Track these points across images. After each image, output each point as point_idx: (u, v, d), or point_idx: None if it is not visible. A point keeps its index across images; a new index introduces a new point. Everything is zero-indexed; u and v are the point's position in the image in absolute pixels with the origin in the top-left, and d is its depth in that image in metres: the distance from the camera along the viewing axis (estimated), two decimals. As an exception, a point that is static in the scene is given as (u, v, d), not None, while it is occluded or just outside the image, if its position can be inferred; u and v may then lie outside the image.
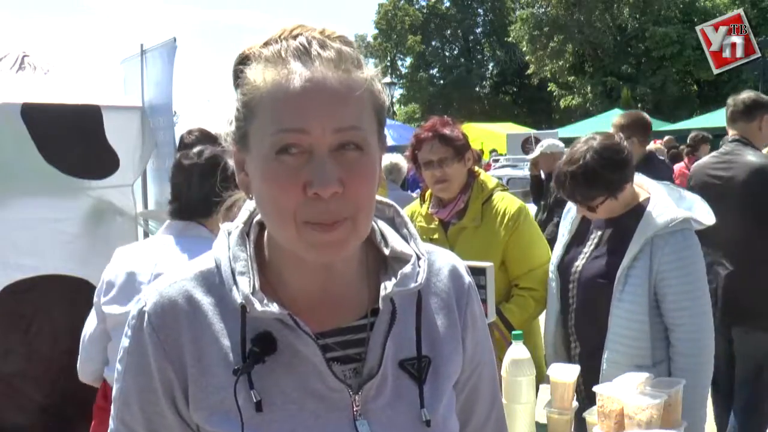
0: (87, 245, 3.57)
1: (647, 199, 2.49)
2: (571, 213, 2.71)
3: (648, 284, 2.37)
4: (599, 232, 2.56)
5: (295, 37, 0.99)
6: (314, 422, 0.99)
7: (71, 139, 3.52)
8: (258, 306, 0.97)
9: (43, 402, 3.44)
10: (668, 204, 2.44)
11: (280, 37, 1.00)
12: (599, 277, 2.47)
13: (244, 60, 1.01)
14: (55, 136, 3.46)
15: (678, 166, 8.66)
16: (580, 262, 2.56)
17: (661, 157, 5.18)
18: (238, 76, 1.01)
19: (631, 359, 2.39)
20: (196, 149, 2.58)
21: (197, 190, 2.45)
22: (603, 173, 2.39)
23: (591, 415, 2.16)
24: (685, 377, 2.28)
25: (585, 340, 2.55)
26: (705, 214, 2.46)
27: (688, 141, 8.73)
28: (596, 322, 2.46)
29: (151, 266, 2.42)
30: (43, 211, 3.48)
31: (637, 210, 2.47)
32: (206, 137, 3.53)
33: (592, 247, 2.56)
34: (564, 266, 2.62)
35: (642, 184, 2.58)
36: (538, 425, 2.26)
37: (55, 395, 3.41)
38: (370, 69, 1.01)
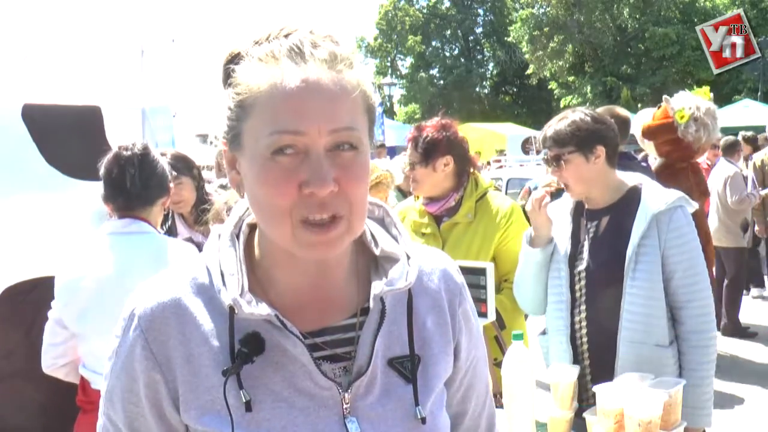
0: (88, 246, 3.58)
1: (639, 185, 2.53)
2: (562, 206, 2.66)
3: (659, 261, 2.39)
4: (595, 222, 2.55)
5: (286, 36, 0.99)
6: (304, 420, 1.01)
7: (72, 140, 3.52)
8: (245, 307, 0.98)
9: (43, 402, 3.43)
10: (661, 187, 2.53)
11: (269, 36, 1.00)
12: (609, 262, 2.45)
13: (234, 58, 1.01)
14: (56, 136, 3.46)
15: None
16: (585, 254, 2.53)
17: (639, 160, 4.92)
18: (229, 74, 1.01)
19: (648, 337, 2.39)
20: (129, 143, 2.61)
21: (139, 182, 2.53)
22: (576, 121, 2.51)
23: (591, 415, 2.17)
24: (695, 354, 2.37)
25: (596, 332, 2.49)
26: (690, 200, 2.52)
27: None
28: (609, 311, 2.44)
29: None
30: (44, 213, 3.48)
31: (632, 193, 2.51)
32: (181, 160, 3.54)
33: (592, 236, 2.54)
34: (569, 261, 2.57)
35: (631, 178, 2.60)
36: (538, 425, 2.26)
37: (56, 395, 3.41)
38: (361, 69, 1.02)
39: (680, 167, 4.43)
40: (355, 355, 1.05)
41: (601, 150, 2.48)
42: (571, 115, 2.55)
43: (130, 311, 1.05)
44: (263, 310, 0.99)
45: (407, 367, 1.07)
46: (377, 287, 1.05)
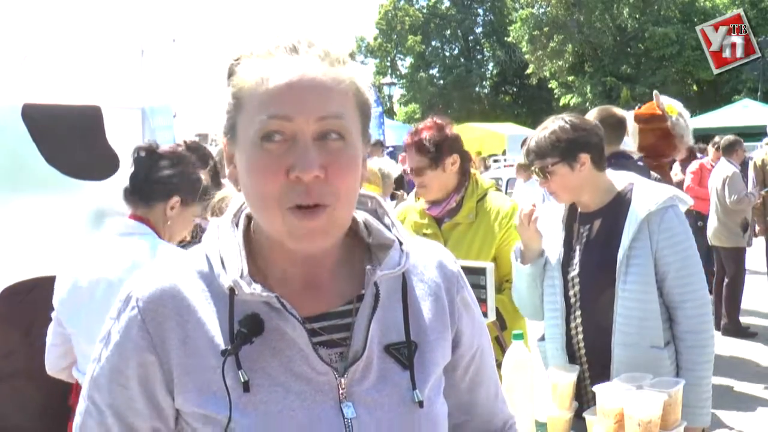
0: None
1: (630, 185, 2.51)
2: (554, 213, 2.65)
3: (652, 263, 2.37)
4: (587, 226, 2.53)
5: (284, 38, 1.03)
6: (300, 404, 1.01)
7: (72, 140, 3.52)
8: (246, 288, 1.00)
9: (43, 402, 3.43)
10: (653, 185, 2.51)
11: (267, 38, 1.04)
12: (601, 266, 2.44)
13: (236, 61, 1.05)
14: (56, 136, 3.46)
15: (698, 162, 8.34)
16: (577, 259, 2.52)
17: (636, 159, 4.99)
18: (231, 73, 1.05)
19: (642, 339, 2.38)
20: (145, 143, 2.63)
21: (146, 184, 2.53)
22: (556, 131, 2.48)
23: (591, 415, 2.17)
24: (693, 354, 2.35)
25: (592, 337, 2.49)
26: (686, 196, 2.51)
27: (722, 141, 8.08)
28: (603, 314, 2.43)
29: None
30: (43, 212, 3.48)
31: (624, 195, 2.49)
32: (196, 151, 3.54)
33: (584, 241, 2.52)
34: (562, 267, 2.56)
35: (622, 178, 2.58)
36: (537, 425, 2.26)
37: (56, 395, 3.42)
38: (356, 68, 1.05)
39: (662, 163, 4.66)
40: (351, 340, 1.06)
41: (585, 157, 2.45)
42: (551, 125, 2.51)
43: (126, 294, 1.06)
44: (263, 291, 1.00)
45: (404, 353, 1.08)
46: (371, 272, 1.07)
